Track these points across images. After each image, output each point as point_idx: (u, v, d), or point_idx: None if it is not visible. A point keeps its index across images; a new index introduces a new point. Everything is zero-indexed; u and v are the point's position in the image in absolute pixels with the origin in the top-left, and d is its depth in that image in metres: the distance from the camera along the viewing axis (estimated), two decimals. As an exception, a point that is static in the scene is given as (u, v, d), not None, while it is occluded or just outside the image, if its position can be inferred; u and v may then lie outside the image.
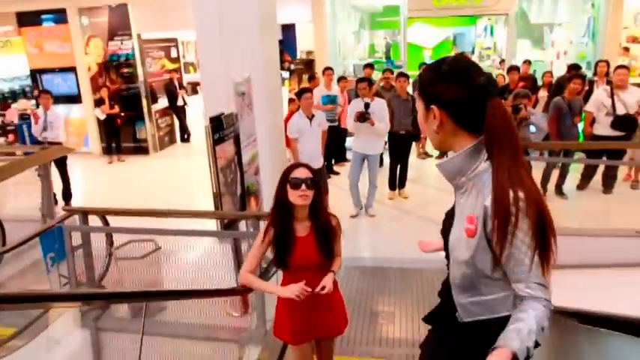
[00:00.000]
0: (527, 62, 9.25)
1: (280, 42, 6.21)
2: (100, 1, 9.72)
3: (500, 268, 1.34)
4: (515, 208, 1.25)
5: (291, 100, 7.42)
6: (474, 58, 11.32)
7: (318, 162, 5.47)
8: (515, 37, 11.00)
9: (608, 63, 7.71)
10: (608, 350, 1.87)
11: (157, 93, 10.68)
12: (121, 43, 9.88)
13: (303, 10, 10.17)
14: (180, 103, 10.99)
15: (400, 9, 10.98)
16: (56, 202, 6.21)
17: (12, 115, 10.61)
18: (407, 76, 6.85)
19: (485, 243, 1.33)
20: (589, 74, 8.46)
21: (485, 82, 1.34)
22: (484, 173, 1.34)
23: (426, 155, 8.88)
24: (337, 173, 7.87)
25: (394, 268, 4.86)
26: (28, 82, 10.95)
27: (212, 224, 4.52)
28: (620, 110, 5.99)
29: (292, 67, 10.80)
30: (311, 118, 5.58)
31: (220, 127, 3.90)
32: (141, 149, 10.32)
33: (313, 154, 5.47)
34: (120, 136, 9.87)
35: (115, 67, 10.05)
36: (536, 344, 1.29)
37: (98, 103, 9.68)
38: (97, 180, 9.00)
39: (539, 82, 8.47)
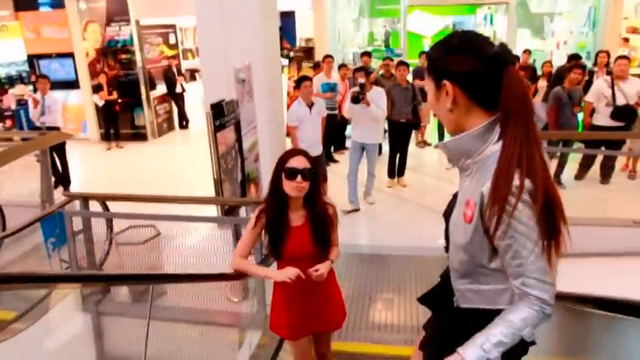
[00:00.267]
0: (527, 52, 9.24)
1: (279, 29, 6.17)
2: (97, -14, 9.64)
3: (497, 259, 1.28)
4: (515, 196, 1.17)
5: (295, 88, 7.36)
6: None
7: (317, 150, 5.47)
8: (515, 26, 10.96)
9: (608, 53, 7.71)
10: (611, 334, 1.90)
11: (156, 79, 10.64)
12: (119, 29, 9.80)
13: (303, -4, 10.11)
14: (178, 89, 10.94)
15: (400, -3, 10.94)
16: (56, 187, 6.22)
17: (9, 100, 10.55)
18: (407, 65, 6.84)
19: (481, 230, 1.26)
20: (589, 64, 8.47)
21: (500, 51, 1.25)
22: (490, 157, 1.25)
23: (424, 144, 8.89)
24: (336, 161, 7.88)
25: (393, 256, 4.89)
26: (25, 67, 10.87)
27: (212, 211, 4.54)
28: (620, 101, 6.00)
29: (292, 54, 10.74)
30: (311, 106, 5.57)
31: (221, 114, 3.90)
32: (139, 136, 10.29)
33: (313, 141, 5.47)
34: (118, 123, 9.82)
35: (113, 52, 9.98)
36: (532, 343, 1.27)
37: (96, 89, 9.63)
38: (95, 166, 8.98)
39: (539, 72, 8.47)
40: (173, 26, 11.99)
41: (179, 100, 11.07)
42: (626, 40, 9.86)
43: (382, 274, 4.64)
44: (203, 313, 3.97)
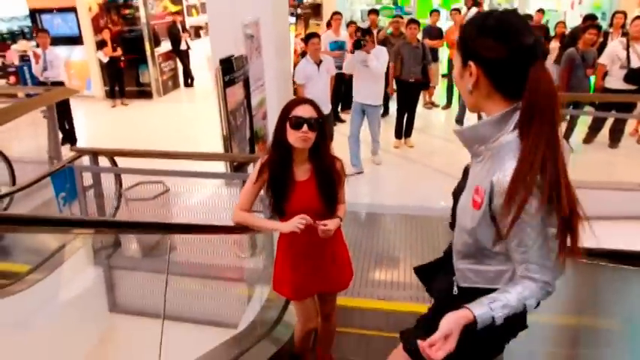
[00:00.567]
0: (541, 11, 9.00)
1: (287, -16, 6.00)
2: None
3: (501, 243, 1.31)
4: (527, 189, 1.17)
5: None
6: (485, 7, 10.94)
7: (325, 108, 5.43)
8: (529, -16, 10.65)
9: (625, 14, 7.49)
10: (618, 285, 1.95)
11: (160, 36, 10.44)
12: (122, -17, 9.58)
13: (311, -50, 9.78)
14: (183, 47, 10.78)
15: (412, -49, 10.57)
16: (63, 143, 6.23)
17: (12, 56, 10.40)
18: (418, 23, 6.68)
19: (488, 217, 1.28)
20: (604, 25, 8.24)
21: (531, 44, 1.21)
22: (504, 146, 1.24)
23: (432, 105, 8.80)
24: (343, 121, 7.82)
25: (399, 215, 4.93)
26: (27, 22, 10.68)
27: (220, 167, 4.55)
28: (635, 63, 5.88)
29: (299, 11, 10.49)
30: (319, 63, 5.49)
31: (230, 70, 3.85)
32: (144, 93, 10.20)
33: (321, 100, 5.31)
34: (123, 80, 9.72)
35: (116, 8, 9.78)
36: (525, 326, 1.32)
37: (100, 45, 9.47)
38: (100, 123, 8.95)
39: (552, 33, 8.27)
40: (177, -20, 11.68)
41: (184, 57, 10.92)
42: (644, 0, 9.56)
43: (388, 232, 4.69)
44: (212, 268, 4.04)
